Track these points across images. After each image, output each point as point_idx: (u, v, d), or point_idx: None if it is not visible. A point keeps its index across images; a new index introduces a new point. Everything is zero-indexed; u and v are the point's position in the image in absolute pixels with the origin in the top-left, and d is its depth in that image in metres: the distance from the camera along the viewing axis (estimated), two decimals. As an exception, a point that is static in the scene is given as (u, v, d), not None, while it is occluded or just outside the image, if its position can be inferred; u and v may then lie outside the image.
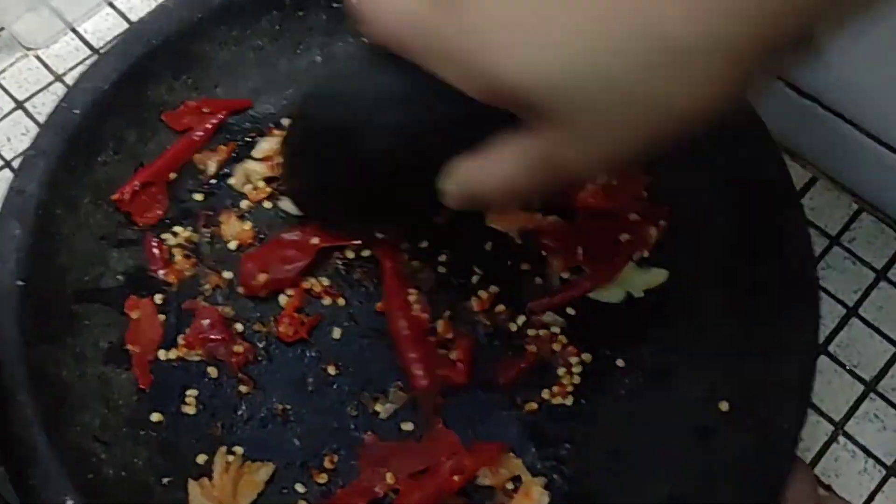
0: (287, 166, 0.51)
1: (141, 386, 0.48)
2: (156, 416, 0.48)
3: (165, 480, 0.46)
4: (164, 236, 0.53)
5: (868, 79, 0.54)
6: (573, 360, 0.50)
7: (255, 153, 0.55)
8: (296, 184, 0.51)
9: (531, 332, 0.51)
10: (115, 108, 0.52)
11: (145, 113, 0.54)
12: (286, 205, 0.53)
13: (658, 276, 0.51)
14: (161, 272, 0.52)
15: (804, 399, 0.44)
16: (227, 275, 0.52)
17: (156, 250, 0.52)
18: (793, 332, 0.45)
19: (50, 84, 0.63)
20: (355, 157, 0.43)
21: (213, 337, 0.50)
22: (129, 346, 0.49)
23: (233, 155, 0.55)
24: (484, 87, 0.34)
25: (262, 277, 0.51)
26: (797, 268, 0.47)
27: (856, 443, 0.52)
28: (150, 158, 0.54)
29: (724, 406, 0.45)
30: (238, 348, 0.50)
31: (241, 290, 0.51)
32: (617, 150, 0.34)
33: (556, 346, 0.50)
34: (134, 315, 0.50)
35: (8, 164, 0.60)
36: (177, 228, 0.53)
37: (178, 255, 0.52)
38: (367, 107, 0.41)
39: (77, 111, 0.51)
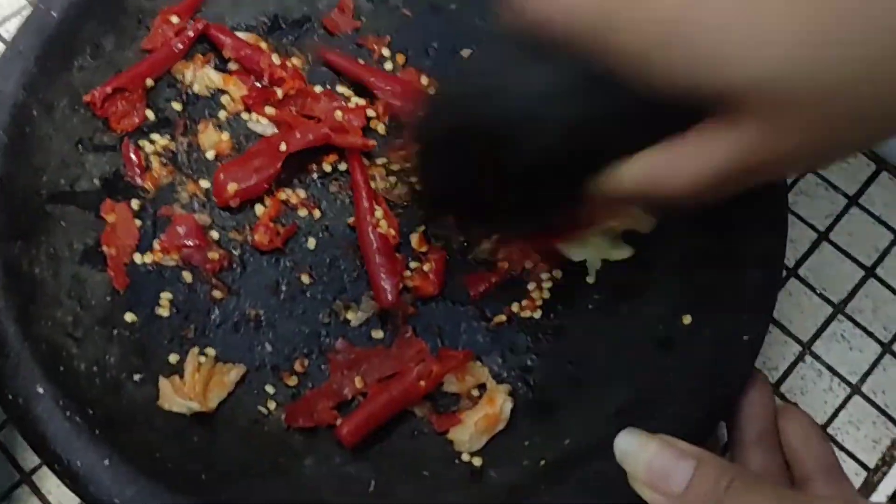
0: (422, 164, 0.45)
1: (116, 287, 0.49)
2: (129, 317, 0.48)
3: (137, 377, 0.46)
4: (141, 143, 0.53)
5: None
6: (544, 275, 0.51)
7: (232, 65, 0.55)
8: (431, 181, 0.46)
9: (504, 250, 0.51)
10: (92, 12, 0.52)
11: (124, 20, 0.53)
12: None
13: (622, 252, 0.50)
14: (138, 178, 0.52)
15: (765, 310, 0.44)
16: (204, 184, 0.53)
17: (133, 156, 0.52)
18: (757, 244, 0.46)
19: (23, 8, 0.62)
20: (511, 156, 0.38)
21: (188, 243, 0.51)
22: (105, 248, 0.50)
23: (212, 65, 0.55)
24: (681, 79, 0.31)
25: (233, 187, 0.51)
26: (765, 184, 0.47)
27: (822, 362, 0.53)
28: (128, 66, 0.53)
29: (686, 319, 0.46)
30: (213, 255, 0.50)
31: (215, 200, 0.52)
32: (828, 148, 0.32)
33: (528, 264, 0.51)
34: (109, 218, 0.50)
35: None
36: (154, 136, 0.53)
37: (156, 163, 0.53)
38: (525, 102, 0.37)
39: (54, 13, 0.50)
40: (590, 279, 0.50)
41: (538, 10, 0.35)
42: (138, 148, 0.53)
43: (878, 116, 0.31)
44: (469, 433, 0.46)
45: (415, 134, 0.44)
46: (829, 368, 0.53)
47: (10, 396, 0.42)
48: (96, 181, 0.51)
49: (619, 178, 0.36)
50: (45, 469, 0.49)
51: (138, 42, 0.54)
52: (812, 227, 0.56)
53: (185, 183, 0.53)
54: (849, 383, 0.53)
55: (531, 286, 0.50)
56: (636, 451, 0.37)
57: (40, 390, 0.42)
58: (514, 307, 0.50)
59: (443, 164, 0.43)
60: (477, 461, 0.45)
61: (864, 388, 0.52)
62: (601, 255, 0.50)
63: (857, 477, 0.51)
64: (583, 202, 0.38)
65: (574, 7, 0.34)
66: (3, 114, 0.48)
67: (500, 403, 0.46)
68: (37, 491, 0.49)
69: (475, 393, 0.48)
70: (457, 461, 0.45)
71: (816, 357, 0.53)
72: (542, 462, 0.43)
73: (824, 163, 0.33)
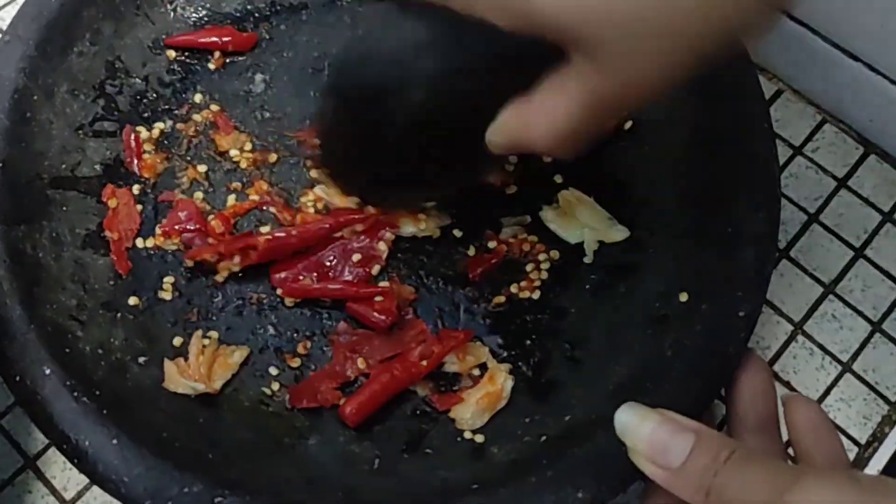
0: (325, 145, 0.48)
1: (119, 271, 0.49)
2: (133, 300, 0.49)
3: (141, 359, 0.47)
4: (139, 129, 0.53)
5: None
6: (542, 256, 0.51)
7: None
8: (337, 161, 0.49)
9: (503, 234, 0.52)
10: (92, -3, 0.52)
11: (123, 6, 0.54)
12: (324, 192, 0.52)
13: (618, 233, 0.51)
14: (136, 165, 0.52)
15: (760, 286, 0.45)
16: (202, 168, 0.53)
17: (132, 143, 0.52)
18: (750, 224, 0.46)
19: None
20: (397, 115, 0.41)
21: (189, 227, 0.51)
22: (107, 233, 0.50)
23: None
24: (522, 17, 0.34)
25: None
26: (758, 161, 0.48)
27: (814, 341, 0.54)
28: (126, 53, 0.54)
29: (683, 297, 0.47)
30: (213, 240, 0.51)
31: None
32: (655, 78, 0.35)
33: (526, 246, 0.52)
34: (111, 203, 0.51)
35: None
36: (156, 123, 0.54)
37: (153, 149, 0.53)
38: (398, 60, 0.40)
39: (53, -1, 0.51)
40: (587, 260, 0.51)
41: None
42: (138, 133, 0.53)
43: (668, 48, 0.34)
44: (471, 411, 0.46)
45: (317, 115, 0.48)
46: (821, 347, 0.54)
47: (18, 378, 0.43)
48: (97, 167, 0.52)
49: (490, 134, 0.39)
50: (49, 454, 0.50)
51: (136, 30, 0.54)
52: (802, 209, 0.58)
53: (186, 168, 0.53)
54: (840, 361, 0.54)
55: (529, 268, 0.51)
56: (636, 424, 0.38)
57: (47, 371, 0.43)
58: (513, 288, 0.51)
59: (343, 137, 0.46)
60: (479, 438, 0.46)
61: (855, 366, 0.53)
62: (597, 237, 0.51)
63: (849, 453, 0.52)
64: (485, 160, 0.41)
65: None
66: (4, 99, 0.48)
67: (500, 381, 0.47)
68: (41, 476, 0.49)
69: (476, 372, 0.48)
70: (459, 439, 0.46)
71: (808, 336, 0.54)
72: (544, 438, 0.44)
73: (653, 94, 0.37)
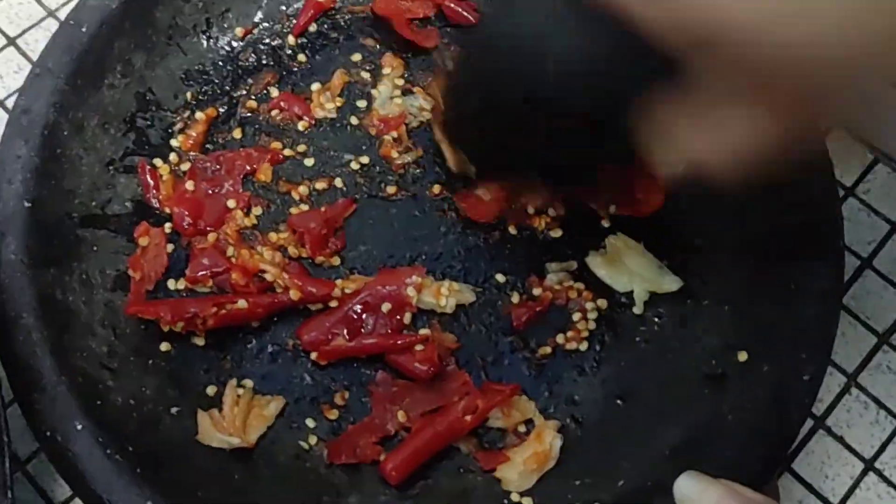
0: (451, 109, 0.47)
1: (125, 312, 0.47)
2: (164, 346, 0.47)
3: (174, 410, 0.45)
4: (156, 162, 0.51)
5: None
6: (589, 305, 0.49)
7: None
8: (461, 127, 0.48)
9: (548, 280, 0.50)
10: (122, 28, 0.50)
11: (154, 36, 0.52)
12: (451, 157, 0.50)
13: (670, 284, 0.49)
14: (154, 200, 0.50)
15: (825, 347, 0.43)
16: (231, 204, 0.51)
17: (149, 178, 0.50)
18: (814, 278, 0.44)
19: (42, 20, 0.60)
20: (529, 89, 0.40)
21: (214, 270, 0.49)
22: (130, 272, 0.48)
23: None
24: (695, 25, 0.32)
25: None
26: (820, 212, 0.46)
27: (868, 394, 0.52)
28: (158, 83, 0.52)
29: (742, 356, 0.45)
30: (237, 276, 0.48)
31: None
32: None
33: (573, 294, 0.50)
34: (143, 242, 0.49)
35: (1, 104, 0.57)
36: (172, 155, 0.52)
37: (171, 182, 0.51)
38: (536, 35, 0.39)
39: (84, 29, 0.49)
40: (636, 310, 0.49)
41: None
42: (154, 168, 0.51)
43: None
44: (518, 471, 0.44)
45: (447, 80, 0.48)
46: (875, 401, 0.52)
47: (48, 433, 0.41)
48: (128, 204, 0.50)
49: (666, 146, 0.37)
50: (75, 502, 0.48)
51: (168, 60, 0.52)
52: (855, 253, 0.56)
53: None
54: (895, 416, 0.52)
55: (576, 317, 0.49)
56: (698, 495, 0.36)
57: (79, 427, 0.41)
58: (559, 338, 0.49)
59: (469, 103, 0.45)
60: (527, 502, 0.44)
61: (913, 422, 0.52)
62: (648, 287, 0.49)
63: (904, 512, 0.50)
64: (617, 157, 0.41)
65: None
66: (35, 135, 0.46)
67: (548, 440, 0.45)
68: (66, 524, 0.48)
69: (521, 429, 0.46)
70: (506, 501, 0.44)
71: (862, 389, 0.52)
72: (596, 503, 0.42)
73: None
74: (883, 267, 0.55)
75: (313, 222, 0.49)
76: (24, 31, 0.60)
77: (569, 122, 0.39)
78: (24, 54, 0.59)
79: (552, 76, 0.38)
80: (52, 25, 0.60)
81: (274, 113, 0.53)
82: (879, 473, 0.50)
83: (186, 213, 0.50)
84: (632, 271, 0.49)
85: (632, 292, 0.49)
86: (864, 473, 0.51)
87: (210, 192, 0.51)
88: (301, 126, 0.53)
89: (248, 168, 0.52)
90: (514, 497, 0.44)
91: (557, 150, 0.42)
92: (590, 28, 0.36)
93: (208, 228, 0.50)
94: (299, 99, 0.53)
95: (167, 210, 0.50)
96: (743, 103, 0.34)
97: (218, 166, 0.51)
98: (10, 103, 0.57)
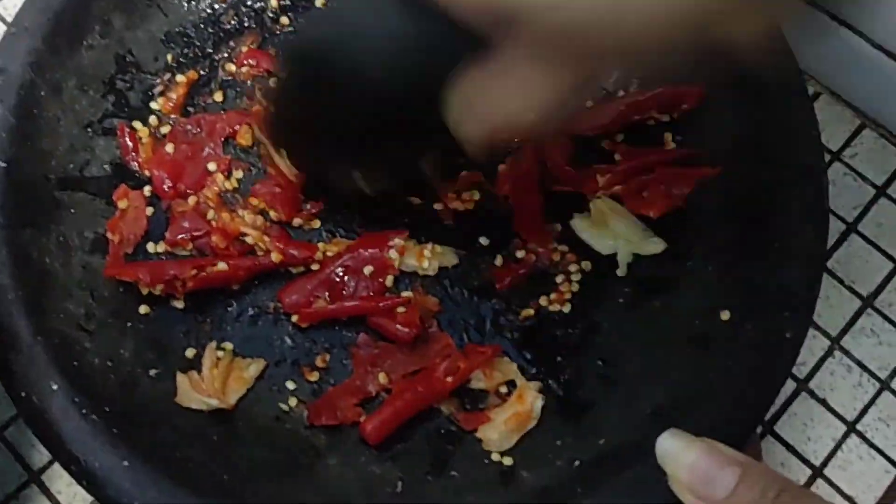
0: (277, 111, 0.48)
1: (103, 275, 0.46)
2: (143, 309, 0.47)
3: (153, 372, 0.45)
4: (135, 124, 0.50)
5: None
6: (573, 267, 0.49)
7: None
8: (286, 128, 0.48)
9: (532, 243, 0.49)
10: (102, -13, 0.49)
11: (134, -3, 0.51)
12: (279, 161, 0.49)
13: (654, 246, 0.48)
14: (135, 163, 0.50)
15: (808, 307, 0.43)
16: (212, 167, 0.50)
17: (129, 141, 0.50)
18: (797, 238, 0.44)
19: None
20: (352, 86, 0.41)
21: (195, 234, 0.48)
22: (109, 234, 0.47)
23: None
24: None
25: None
26: (806, 172, 0.45)
27: (851, 357, 0.52)
28: (137, 46, 0.51)
29: (724, 315, 0.44)
30: (217, 238, 0.48)
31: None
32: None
33: (556, 256, 0.49)
34: (122, 204, 0.48)
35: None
36: (151, 118, 0.51)
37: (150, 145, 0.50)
38: (357, 34, 0.40)
39: (62, -12, 0.48)
40: (620, 272, 0.48)
41: None
42: (133, 131, 0.50)
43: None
44: (499, 431, 0.44)
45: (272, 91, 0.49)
46: (859, 363, 0.52)
47: (24, 394, 0.40)
48: (106, 166, 0.49)
49: (453, 95, 0.37)
50: (54, 468, 0.48)
51: (149, 23, 0.51)
52: (840, 218, 0.55)
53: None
54: (878, 378, 0.52)
55: (559, 279, 0.49)
56: (679, 453, 0.36)
57: (55, 387, 0.40)
58: (542, 301, 0.48)
59: (299, 110, 0.45)
60: (507, 461, 0.44)
61: (894, 384, 0.51)
62: (632, 249, 0.48)
63: (886, 475, 0.50)
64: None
65: None
66: (10, 95, 0.46)
67: (530, 401, 0.45)
68: (46, 491, 0.47)
69: (503, 390, 0.46)
70: (486, 461, 0.44)
71: (845, 352, 0.52)
72: (577, 463, 0.42)
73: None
74: (868, 231, 0.55)
75: (277, 187, 0.49)
76: (1, -4, 0.59)
77: (389, 110, 0.40)
78: (1, 19, 0.58)
79: (369, 68, 0.39)
80: (30, -11, 0.59)
81: (244, 69, 0.52)
82: (861, 435, 0.50)
83: (166, 175, 0.49)
84: (616, 234, 0.49)
85: (615, 255, 0.49)
86: (846, 435, 0.51)
87: (190, 155, 0.50)
88: (272, 82, 0.52)
89: (228, 131, 0.51)
90: (495, 457, 0.44)
91: (381, 141, 0.43)
92: (398, 16, 0.38)
93: (188, 191, 0.49)
94: (265, 54, 0.53)
95: (146, 173, 0.50)
96: (537, 64, 0.34)
97: (198, 129, 0.51)
98: (-11, 68, 0.56)
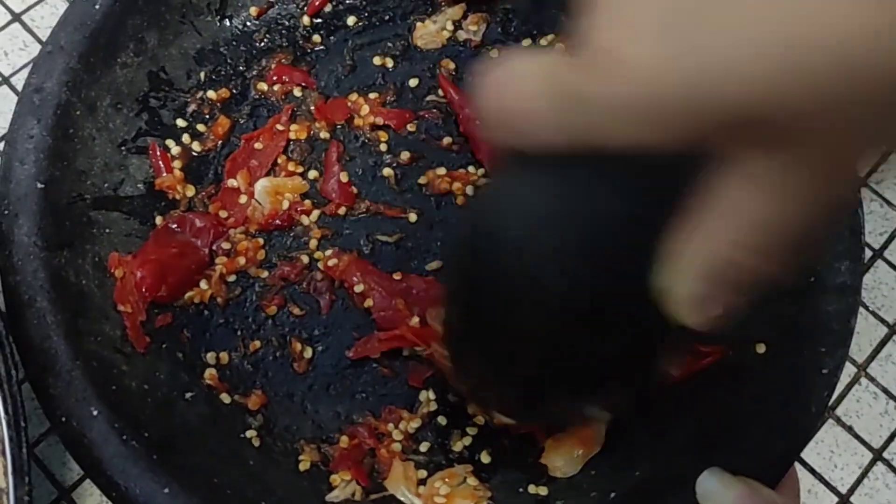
0: (457, 360, 0.39)
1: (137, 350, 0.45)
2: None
3: (188, 395, 0.45)
4: (168, 143, 0.50)
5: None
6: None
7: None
8: (475, 375, 0.39)
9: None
10: (136, 5, 0.49)
11: (168, 14, 0.51)
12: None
13: None
14: (166, 185, 0.49)
15: (843, 341, 0.43)
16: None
17: (161, 162, 0.50)
18: (832, 271, 0.44)
19: (48, -6, 0.59)
20: (537, 309, 0.30)
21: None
22: (120, 307, 0.45)
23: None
24: (690, 117, 0.24)
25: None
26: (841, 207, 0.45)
27: (878, 384, 0.52)
28: (171, 63, 0.51)
29: (760, 348, 0.44)
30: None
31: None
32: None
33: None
34: (118, 273, 0.46)
35: (6, 81, 0.57)
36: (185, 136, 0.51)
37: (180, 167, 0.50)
38: (524, 240, 0.29)
39: (97, 6, 0.48)
40: None
41: (494, 122, 0.27)
42: (166, 150, 0.50)
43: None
44: (564, 457, 0.44)
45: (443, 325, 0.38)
46: (885, 391, 0.52)
47: (63, 418, 0.40)
48: (140, 185, 0.49)
49: (674, 274, 0.27)
50: (85, 485, 0.48)
51: (182, 40, 0.51)
52: (867, 244, 0.55)
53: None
54: (905, 407, 0.52)
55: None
56: (719, 493, 0.36)
57: (94, 412, 0.40)
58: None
59: (473, 345, 0.35)
60: (543, 491, 0.44)
61: (921, 413, 0.52)
62: None
63: (911, 504, 0.50)
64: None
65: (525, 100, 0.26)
66: (47, 114, 0.46)
67: (595, 424, 0.45)
68: (77, 508, 0.47)
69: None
70: (521, 490, 0.44)
71: (871, 379, 0.52)
72: (613, 495, 0.42)
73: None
74: (895, 258, 0.55)
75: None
76: (29, 7, 0.59)
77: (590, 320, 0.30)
78: (29, 31, 0.58)
79: (549, 281, 0.29)
80: (57, 2, 0.59)
81: (276, 87, 0.52)
82: (888, 463, 0.51)
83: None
84: None
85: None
86: (872, 463, 0.51)
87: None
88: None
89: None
90: (531, 488, 0.44)
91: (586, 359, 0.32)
92: (574, 193, 0.28)
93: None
94: (296, 70, 0.53)
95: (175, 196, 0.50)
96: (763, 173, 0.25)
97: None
98: (15, 80, 0.56)
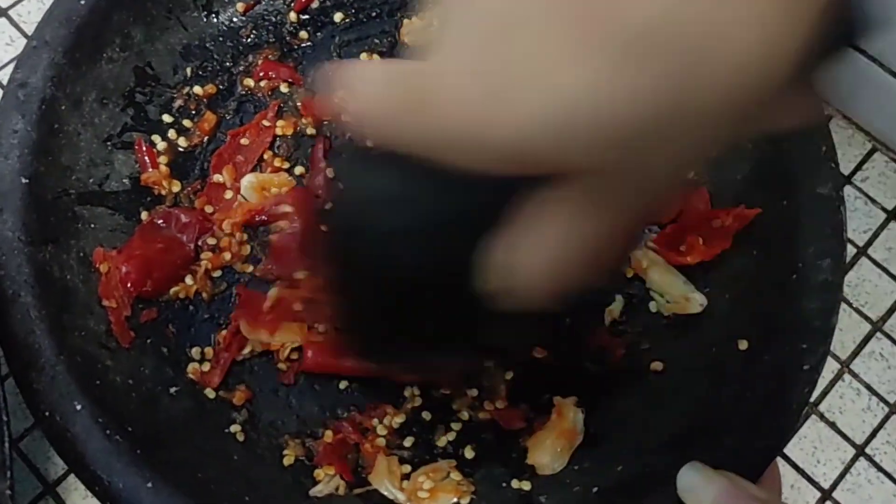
0: (334, 308, 0.42)
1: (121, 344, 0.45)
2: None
3: (173, 390, 0.45)
4: (154, 139, 0.50)
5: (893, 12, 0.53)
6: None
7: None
8: (348, 322, 0.42)
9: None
10: (121, 0, 0.49)
11: (154, 9, 0.51)
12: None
13: (695, 305, 0.47)
14: (152, 180, 0.49)
15: (824, 339, 0.43)
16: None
17: (146, 158, 0.50)
18: (815, 270, 0.45)
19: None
20: (381, 280, 0.35)
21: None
22: (105, 302, 0.45)
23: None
24: (500, 160, 0.27)
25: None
26: (823, 203, 0.46)
27: (861, 381, 0.52)
28: (157, 58, 0.51)
29: (742, 345, 0.45)
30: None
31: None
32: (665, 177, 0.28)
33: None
34: (103, 268, 0.46)
35: (-7, 75, 0.57)
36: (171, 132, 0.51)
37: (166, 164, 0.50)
38: (367, 218, 0.34)
39: (82, 2, 0.48)
40: (653, 307, 0.48)
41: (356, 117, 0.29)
42: (152, 145, 0.50)
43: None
44: (549, 454, 0.44)
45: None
46: (868, 387, 0.53)
47: (47, 413, 0.40)
48: (126, 181, 0.49)
49: (487, 274, 0.30)
50: (69, 480, 0.48)
51: (168, 35, 0.51)
52: (850, 241, 0.56)
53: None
54: (887, 402, 0.52)
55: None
56: (701, 487, 0.37)
57: (78, 407, 0.40)
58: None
59: (349, 306, 0.39)
60: (525, 486, 0.44)
61: (903, 409, 0.52)
62: (673, 310, 0.48)
63: (895, 498, 0.50)
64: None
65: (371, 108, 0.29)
66: (32, 109, 0.45)
67: (571, 416, 0.45)
68: (61, 503, 0.47)
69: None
70: (504, 485, 0.44)
71: (855, 375, 0.53)
72: (595, 489, 0.43)
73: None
74: (878, 255, 0.56)
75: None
76: (16, 2, 0.59)
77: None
78: (16, 25, 0.58)
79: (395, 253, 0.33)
80: (45, -4, 0.59)
81: (262, 83, 0.52)
82: (870, 459, 0.51)
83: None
84: (655, 289, 0.48)
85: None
86: (855, 459, 0.51)
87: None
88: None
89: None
90: (514, 483, 0.44)
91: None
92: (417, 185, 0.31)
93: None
94: (282, 66, 0.53)
95: (163, 191, 0.50)
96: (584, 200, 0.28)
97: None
98: (1, 75, 0.56)
